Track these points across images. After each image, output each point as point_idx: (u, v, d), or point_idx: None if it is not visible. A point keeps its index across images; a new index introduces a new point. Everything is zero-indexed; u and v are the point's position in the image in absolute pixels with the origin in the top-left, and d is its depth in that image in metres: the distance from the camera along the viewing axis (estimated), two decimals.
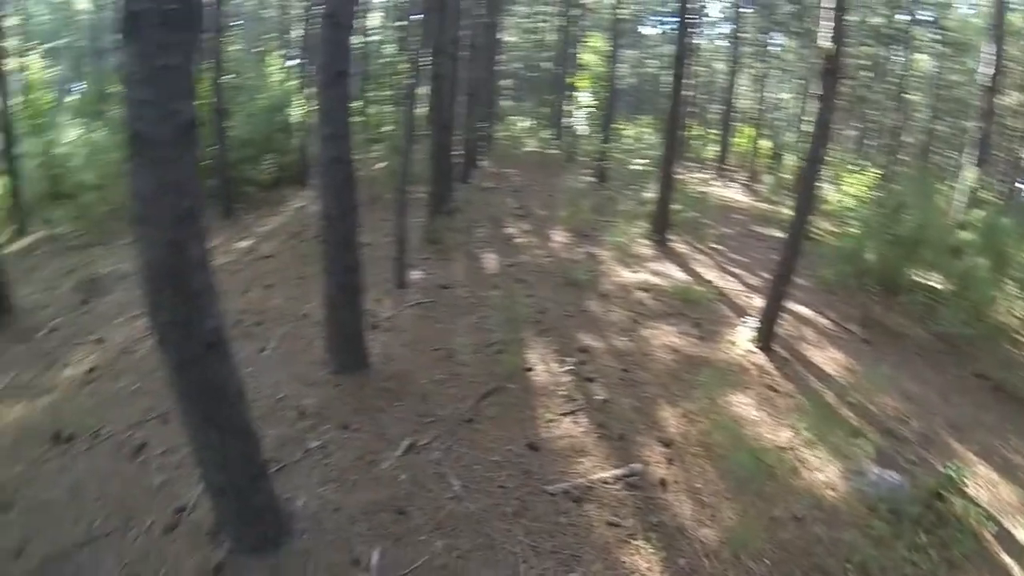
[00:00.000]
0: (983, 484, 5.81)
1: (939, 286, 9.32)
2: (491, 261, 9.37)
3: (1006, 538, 5.21)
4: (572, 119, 22.19)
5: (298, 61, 17.00)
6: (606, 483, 4.87)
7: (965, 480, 5.46)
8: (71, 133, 14.11)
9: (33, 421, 5.74)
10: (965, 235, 9.84)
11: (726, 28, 26.84)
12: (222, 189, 12.18)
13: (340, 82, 5.34)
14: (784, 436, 5.79)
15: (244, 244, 10.57)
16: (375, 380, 5.85)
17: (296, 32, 19.26)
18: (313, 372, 5.85)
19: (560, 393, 5.94)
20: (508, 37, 26.96)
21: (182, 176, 3.12)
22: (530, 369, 6.26)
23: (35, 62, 15.97)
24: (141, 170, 3.04)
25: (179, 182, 3.11)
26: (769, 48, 26.22)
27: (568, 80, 22.55)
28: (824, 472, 5.43)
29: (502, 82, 24.97)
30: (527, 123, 25.64)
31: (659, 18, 31.09)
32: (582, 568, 4.14)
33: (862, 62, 21.02)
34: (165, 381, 3.69)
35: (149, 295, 3.28)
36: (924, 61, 23.05)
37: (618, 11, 18.06)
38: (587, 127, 21.12)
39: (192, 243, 3.22)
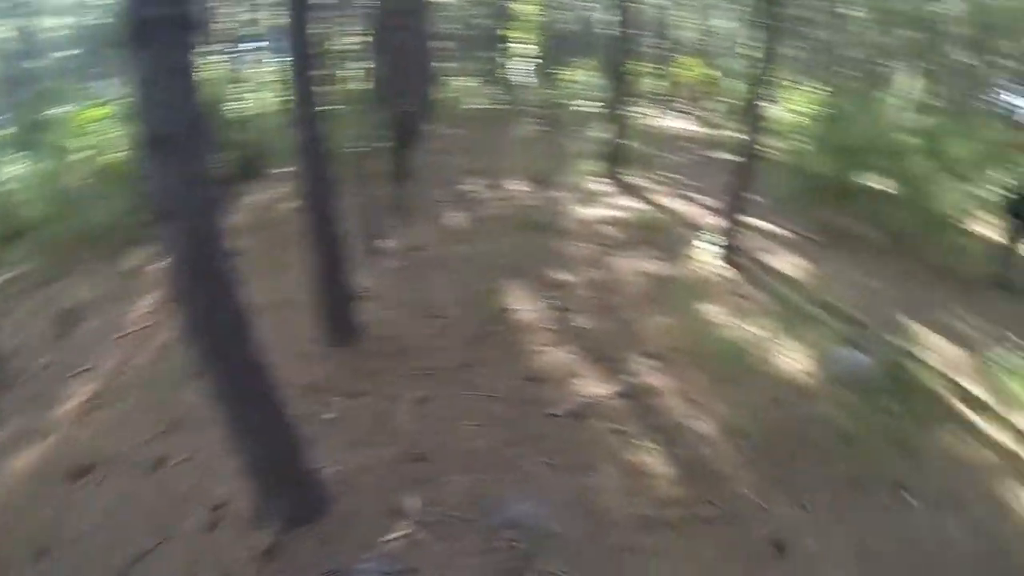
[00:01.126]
0: (939, 352, 6.66)
1: (888, 189, 10.22)
2: (455, 218, 9.79)
3: (963, 394, 6.08)
4: (515, 71, 22.41)
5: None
6: (603, 399, 5.47)
7: (920, 350, 6.38)
8: (9, 169, 13.77)
9: (45, 463, 5.82)
10: (910, 140, 10.75)
11: None
12: None
13: (308, 65, 5.64)
14: (756, 335, 6.50)
15: None
16: (370, 347, 6.24)
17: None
18: (310, 350, 6.16)
19: (544, 327, 6.48)
20: None
21: (202, 168, 3.46)
22: (510, 312, 6.76)
23: None
24: (163, 168, 3.34)
25: (200, 174, 3.44)
26: None
27: (507, 33, 22.68)
28: (797, 361, 6.17)
29: (441, 43, 24.86)
30: (470, 82, 25.72)
31: None
32: (597, 473, 4.72)
33: None
34: (194, 372, 4.00)
35: (177, 288, 3.63)
36: None
37: None
38: (531, 77, 21.39)
39: (218, 232, 3.58)
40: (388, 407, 5.38)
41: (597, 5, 27.02)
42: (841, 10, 22.76)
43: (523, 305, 6.90)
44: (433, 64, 20.10)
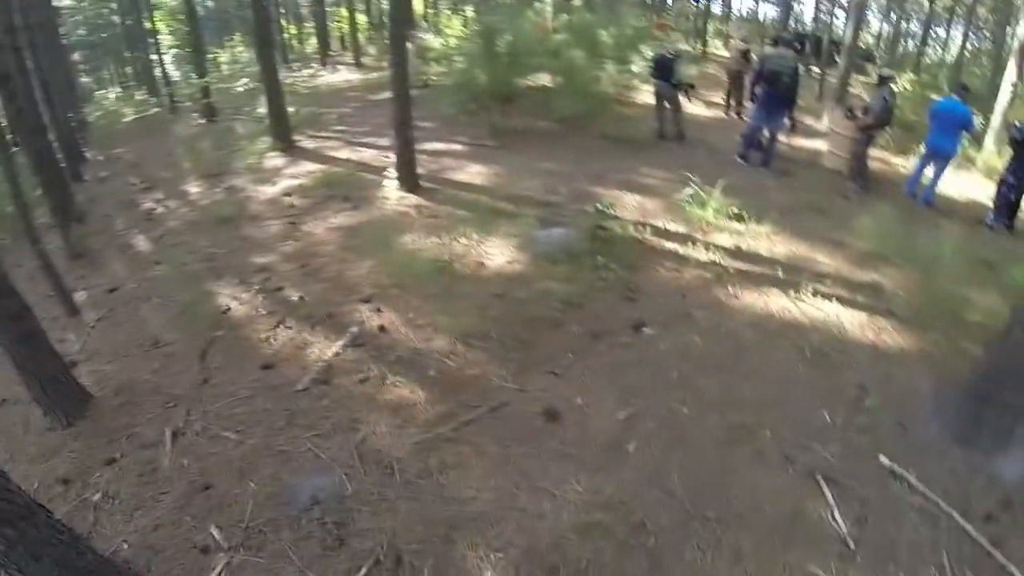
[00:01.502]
0: (630, 206, 7.46)
1: (548, 84, 10.97)
2: (142, 242, 8.89)
3: (661, 232, 7.04)
4: (161, 67, 20.61)
5: None
6: (338, 355, 5.44)
7: (614, 209, 7.06)
8: None
9: None
10: (560, 36, 11.63)
11: None
12: None
13: None
14: (459, 246, 6.84)
15: None
16: (106, 405, 5.53)
17: None
18: (45, 442, 5.29)
19: (262, 313, 6.25)
20: (64, 1, 23.39)
21: None
22: (228, 310, 6.41)
23: None
24: None
25: None
26: None
27: (145, 28, 20.62)
28: (503, 255, 6.61)
29: (74, 56, 21.92)
30: (117, 92, 23.19)
31: None
32: (363, 424, 4.74)
33: None
34: None
35: None
36: None
37: None
38: (179, 69, 19.82)
39: None
40: (151, 455, 4.90)
41: None
42: None
43: (236, 300, 6.55)
44: (76, 80, 17.83)
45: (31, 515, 3.37)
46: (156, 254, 8.17)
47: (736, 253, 6.70)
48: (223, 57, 20.72)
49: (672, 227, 7.04)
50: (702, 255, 6.57)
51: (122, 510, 4.49)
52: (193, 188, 10.65)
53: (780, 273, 6.30)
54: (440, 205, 7.86)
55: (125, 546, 4.19)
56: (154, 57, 21.00)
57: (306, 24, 27.24)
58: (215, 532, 4.10)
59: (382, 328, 5.68)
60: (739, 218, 7.29)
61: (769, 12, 35.13)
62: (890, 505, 4.07)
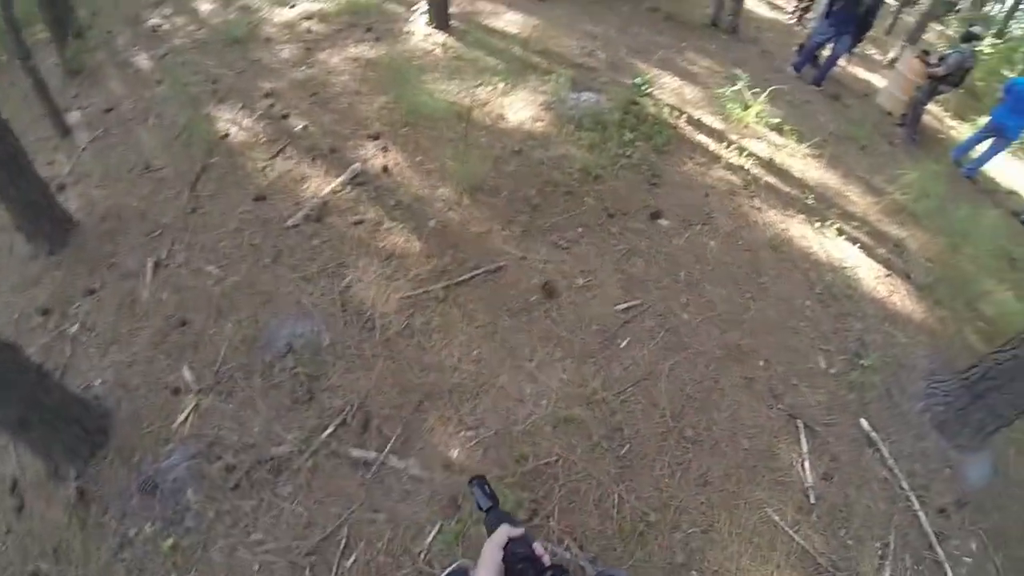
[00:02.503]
0: (668, 89, 6.90)
1: None
2: (143, 60, 8.29)
3: (695, 123, 6.44)
4: None
5: None
6: (336, 192, 5.12)
7: (652, 87, 6.50)
8: None
9: None
10: None
11: None
12: None
13: None
14: (483, 94, 6.32)
15: None
16: (90, 232, 5.33)
17: None
18: (27, 270, 5.18)
19: (262, 141, 5.87)
20: None
21: None
22: (226, 135, 6.03)
23: None
24: None
25: None
26: None
27: None
28: (528, 110, 6.09)
29: None
30: None
31: None
32: (351, 270, 4.51)
33: None
34: None
35: None
36: None
37: None
38: None
39: None
40: (130, 287, 4.75)
41: None
42: None
43: (236, 126, 6.14)
44: None
45: None
46: (157, 73, 7.66)
47: (768, 166, 6.20)
48: None
49: (708, 121, 6.50)
50: (734, 158, 6.08)
51: (98, 343, 4.42)
52: (204, 5, 9.88)
53: (808, 200, 5.88)
54: (469, 48, 7.19)
55: (98, 382, 4.15)
56: None
57: None
58: (187, 373, 4.03)
59: (386, 169, 5.31)
60: (779, 130, 6.80)
61: None
62: (858, 469, 4.00)
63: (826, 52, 8.52)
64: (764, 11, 11.30)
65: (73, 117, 6.89)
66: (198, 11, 9.54)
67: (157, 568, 3.28)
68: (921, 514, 3.83)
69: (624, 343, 4.27)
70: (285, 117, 6.10)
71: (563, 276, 4.60)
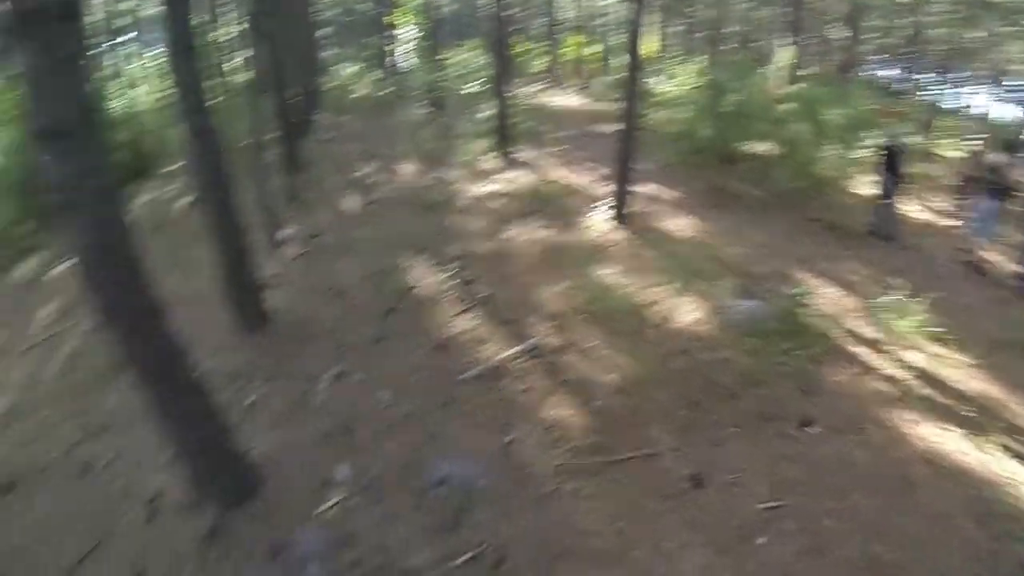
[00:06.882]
0: (828, 298, 7.21)
1: (769, 153, 10.84)
2: (352, 203, 9.84)
3: (851, 334, 6.65)
4: (398, 56, 22.25)
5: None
6: (511, 360, 5.70)
7: (811, 296, 6.92)
8: None
9: None
10: (787, 106, 11.45)
11: None
12: None
13: (190, 56, 5.59)
14: (654, 293, 6.85)
15: None
16: (283, 331, 6.31)
17: None
18: (225, 340, 6.16)
19: (448, 299, 6.68)
20: None
21: (98, 158, 3.50)
22: (415, 287, 6.93)
23: None
24: (59, 160, 3.35)
25: (97, 164, 3.47)
26: None
27: (388, 18, 22.48)
28: (695, 313, 6.56)
29: (321, 32, 24.30)
30: (353, 69, 25.33)
31: None
32: (514, 430, 4.96)
33: None
34: (113, 366, 4.19)
35: (89, 276, 3.62)
36: None
37: None
38: (414, 61, 21.26)
39: (118, 220, 3.64)
40: (307, 386, 5.49)
41: None
42: None
43: (426, 280, 7.07)
44: (318, 52, 19.79)
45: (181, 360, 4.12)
46: (362, 217, 8.96)
47: (926, 376, 6.21)
48: (457, 57, 21.89)
49: (866, 331, 6.74)
50: (889, 368, 6.19)
51: (267, 420, 5.10)
52: (407, 169, 11.52)
53: (969, 413, 5.86)
54: (644, 248, 7.93)
55: (257, 450, 4.72)
56: (390, 46, 22.67)
57: (537, 43, 28.30)
58: (344, 469, 4.53)
59: (560, 348, 5.88)
60: (938, 339, 6.88)
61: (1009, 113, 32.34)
62: None
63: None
64: (921, 212, 11.50)
65: (284, 234, 8.15)
66: (402, 172, 11.14)
67: None
68: None
69: (762, 541, 4.34)
70: (470, 282, 6.92)
71: (713, 470, 4.81)
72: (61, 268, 9.18)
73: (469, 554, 4.00)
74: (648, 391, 5.44)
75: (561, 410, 5.17)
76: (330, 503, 4.35)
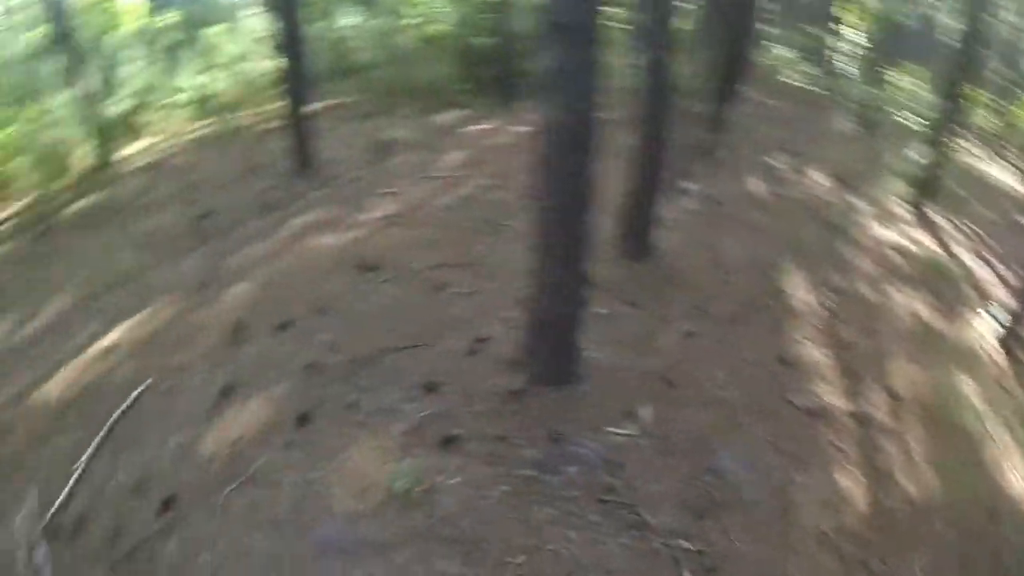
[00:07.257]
0: None
1: None
2: (756, 186, 10.09)
3: None
4: (838, 56, 20.82)
5: None
6: (838, 411, 5.71)
7: None
8: (345, 20, 15.94)
9: (341, 251, 7.09)
10: None
11: None
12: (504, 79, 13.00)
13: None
14: (1002, 426, 5.98)
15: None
16: (656, 270, 6.90)
17: None
18: (605, 251, 6.48)
19: (810, 321, 6.77)
20: None
21: (593, 56, 4.23)
22: (786, 293, 7.12)
23: None
24: (562, 52, 4.13)
25: (591, 61, 4.22)
26: None
27: (840, 12, 20.87)
28: None
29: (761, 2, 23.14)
30: (786, 53, 24.22)
31: None
32: (805, 472, 5.05)
33: None
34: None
35: (549, 150, 4.42)
36: None
37: None
38: (855, 68, 19.84)
39: (593, 115, 4.36)
40: (657, 327, 6.04)
41: (944, 6, 22.96)
42: None
43: (799, 292, 7.21)
44: (753, 20, 19.09)
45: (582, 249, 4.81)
46: (762, 204, 9.20)
47: None
48: (902, 80, 19.74)
49: None
50: None
51: (609, 336, 5.65)
52: (818, 177, 11.33)
53: None
54: (1017, 385, 6.57)
55: (587, 354, 5.26)
56: (831, 42, 21.10)
57: (995, 93, 23.75)
58: (645, 411, 4.98)
59: (884, 428, 5.63)
60: None
61: None
62: None
63: None
64: None
65: (688, 186, 8.70)
66: (808, 175, 11.19)
67: None
68: None
69: None
70: (836, 317, 6.90)
71: None
72: (477, 127, 10.81)
73: None
74: (937, 524, 4.84)
75: (852, 484, 5.01)
76: (622, 431, 4.81)
